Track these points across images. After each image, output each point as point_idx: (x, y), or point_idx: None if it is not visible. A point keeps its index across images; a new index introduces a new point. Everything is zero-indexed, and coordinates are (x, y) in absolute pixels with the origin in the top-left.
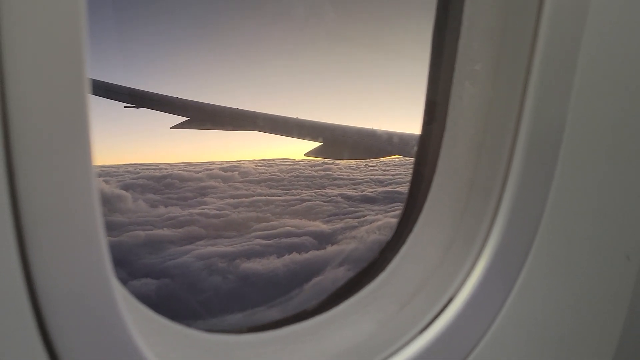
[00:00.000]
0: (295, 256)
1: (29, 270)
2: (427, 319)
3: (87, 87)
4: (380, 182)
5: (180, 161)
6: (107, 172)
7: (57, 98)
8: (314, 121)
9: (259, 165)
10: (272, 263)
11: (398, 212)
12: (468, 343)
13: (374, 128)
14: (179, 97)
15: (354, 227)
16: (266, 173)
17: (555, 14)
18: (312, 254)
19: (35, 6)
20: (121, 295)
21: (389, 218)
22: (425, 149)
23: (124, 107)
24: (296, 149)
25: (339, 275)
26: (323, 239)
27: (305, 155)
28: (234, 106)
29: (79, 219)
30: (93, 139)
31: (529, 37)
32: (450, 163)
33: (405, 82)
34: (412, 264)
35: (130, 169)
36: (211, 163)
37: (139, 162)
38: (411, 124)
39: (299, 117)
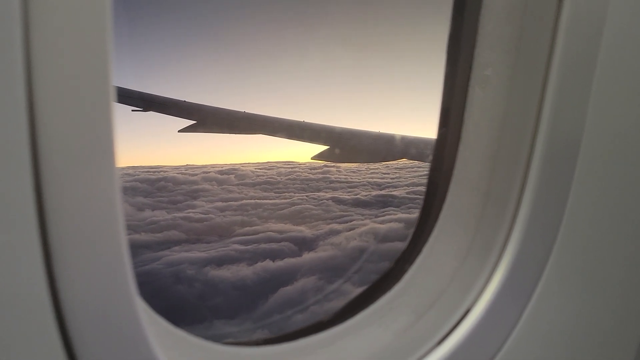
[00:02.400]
0: (267, 264)
1: (55, 286)
2: (444, 331)
3: (113, 94)
4: (378, 185)
5: (185, 164)
6: None
7: (84, 104)
8: (320, 124)
9: (259, 168)
10: (242, 271)
11: (387, 217)
12: (485, 356)
13: (380, 131)
14: (186, 100)
15: (338, 233)
16: (264, 176)
17: (572, 23)
18: (286, 262)
19: (65, 15)
20: (142, 309)
21: (376, 224)
22: (441, 159)
23: (132, 110)
24: (303, 152)
25: (308, 285)
26: (303, 245)
27: (312, 158)
28: (241, 109)
29: (104, 238)
30: (117, 149)
31: (545, 45)
32: (465, 173)
33: (414, 85)
34: (428, 274)
35: (130, 171)
36: (213, 166)
37: (142, 164)
38: (419, 126)
39: (305, 121)
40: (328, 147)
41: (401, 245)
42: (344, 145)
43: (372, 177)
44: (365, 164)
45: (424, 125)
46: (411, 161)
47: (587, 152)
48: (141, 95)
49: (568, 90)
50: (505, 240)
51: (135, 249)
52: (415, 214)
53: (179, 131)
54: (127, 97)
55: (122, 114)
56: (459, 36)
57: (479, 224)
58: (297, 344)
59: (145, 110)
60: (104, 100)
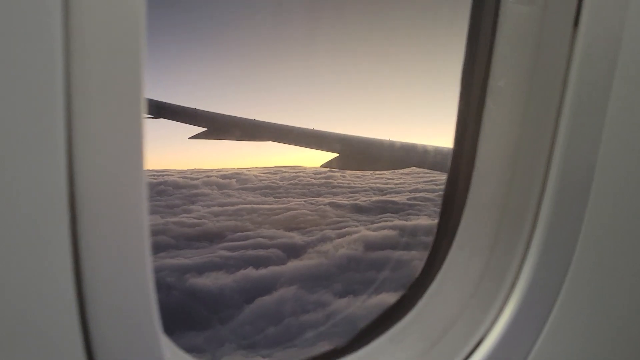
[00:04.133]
0: (250, 272)
1: (87, 333)
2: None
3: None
4: (380, 191)
5: (192, 168)
6: None
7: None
8: (329, 132)
9: (263, 173)
10: (223, 279)
11: (382, 223)
12: None
13: (391, 139)
14: (197, 108)
15: (330, 239)
16: (266, 180)
17: (586, 56)
18: (269, 270)
19: (102, 23)
20: (168, 347)
21: (369, 231)
22: (455, 185)
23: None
24: (312, 157)
25: (287, 295)
26: (292, 252)
27: (322, 166)
28: (251, 117)
29: (133, 274)
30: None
31: (560, 72)
32: (479, 199)
33: (427, 92)
34: (442, 301)
35: None
36: (218, 170)
37: (150, 168)
38: (430, 133)
39: (315, 128)
40: (338, 154)
41: (391, 254)
42: (353, 153)
43: (375, 183)
44: (376, 171)
45: (435, 132)
46: (420, 169)
47: (601, 178)
48: (153, 103)
49: (582, 117)
50: (519, 267)
51: None
52: (412, 221)
53: (189, 138)
54: None
55: None
56: (473, 61)
57: (492, 251)
58: None
59: (156, 117)
60: (135, 106)
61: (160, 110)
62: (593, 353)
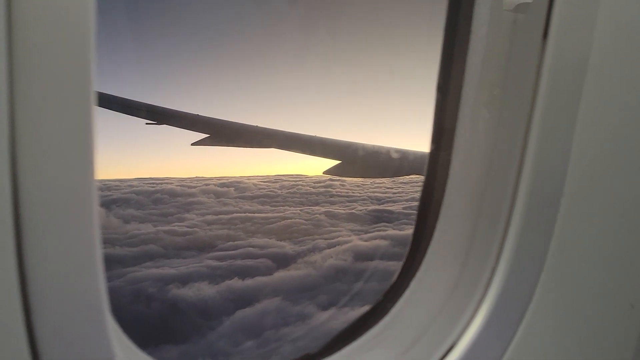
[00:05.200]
0: (235, 282)
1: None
2: None
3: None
4: (378, 200)
5: (194, 176)
6: (107, 186)
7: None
8: (331, 139)
9: (263, 181)
10: (206, 290)
11: (376, 233)
12: None
13: (396, 147)
14: (199, 114)
15: (321, 249)
16: (265, 189)
17: (555, 67)
18: (255, 280)
19: (46, 16)
20: (115, 333)
21: (361, 241)
22: (429, 197)
23: (146, 123)
24: (315, 166)
25: (269, 308)
26: (282, 262)
27: (324, 173)
28: (254, 123)
29: (78, 255)
30: (96, 150)
31: (530, 85)
32: (453, 210)
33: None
34: (415, 308)
35: (135, 182)
36: (219, 178)
37: (151, 176)
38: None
39: (317, 135)
40: (339, 161)
41: (379, 264)
42: (355, 160)
43: (374, 192)
44: (376, 179)
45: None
46: (421, 176)
47: (572, 186)
48: (155, 109)
49: (553, 126)
50: (491, 275)
51: (107, 264)
52: (406, 230)
53: (192, 144)
54: (141, 110)
55: (136, 127)
56: (448, 75)
57: (466, 259)
58: None
59: (159, 123)
60: (84, 105)
61: (163, 116)
62: (566, 356)
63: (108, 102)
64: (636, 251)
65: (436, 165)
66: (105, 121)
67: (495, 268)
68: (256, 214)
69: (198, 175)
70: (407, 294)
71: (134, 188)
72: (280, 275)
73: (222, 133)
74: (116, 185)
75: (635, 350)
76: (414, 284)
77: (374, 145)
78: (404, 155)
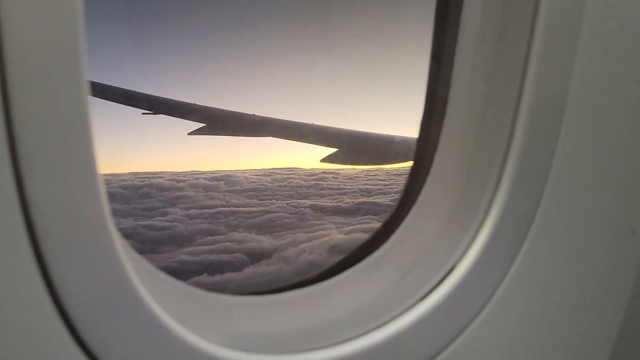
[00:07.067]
0: (203, 279)
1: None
2: (427, 288)
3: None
4: (368, 192)
5: (190, 169)
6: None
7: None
8: (329, 127)
9: (256, 175)
10: None
11: (358, 226)
12: (468, 313)
13: (392, 134)
14: (195, 103)
15: (300, 243)
16: (256, 183)
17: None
18: (224, 277)
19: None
20: (122, 247)
21: (340, 234)
22: (429, 122)
23: (142, 113)
24: (313, 157)
25: None
26: (258, 257)
27: (321, 161)
28: (251, 112)
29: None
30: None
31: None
32: (454, 134)
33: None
34: (415, 234)
35: (128, 177)
36: (212, 172)
37: (146, 170)
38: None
39: (314, 123)
40: (337, 149)
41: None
42: (352, 147)
43: (365, 185)
44: (375, 166)
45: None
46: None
47: (575, 110)
48: (151, 98)
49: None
50: (491, 199)
51: None
52: None
53: (188, 134)
54: (138, 100)
55: (133, 117)
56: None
57: (466, 184)
58: (281, 297)
59: (155, 113)
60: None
61: (159, 105)
62: (563, 285)
63: (103, 91)
64: (638, 176)
65: (435, 96)
66: (100, 114)
67: (495, 191)
68: (241, 208)
69: (194, 169)
70: (407, 220)
71: (123, 183)
72: (251, 270)
73: (218, 122)
74: (107, 180)
75: (635, 274)
76: (413, 211)
77: (371, 132)
78: (404, 142)
